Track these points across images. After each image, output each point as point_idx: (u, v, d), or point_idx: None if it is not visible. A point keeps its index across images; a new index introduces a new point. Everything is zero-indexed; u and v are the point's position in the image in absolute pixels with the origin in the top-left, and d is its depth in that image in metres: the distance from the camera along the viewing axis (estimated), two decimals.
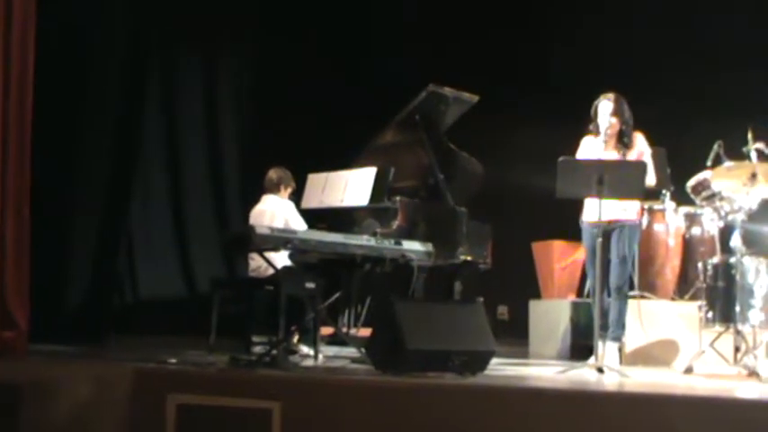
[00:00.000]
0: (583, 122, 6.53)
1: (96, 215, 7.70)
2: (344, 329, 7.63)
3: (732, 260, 6.09)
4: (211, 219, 9.35)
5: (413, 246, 6.37)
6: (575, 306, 7.67)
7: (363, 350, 5.90)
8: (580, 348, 7.07)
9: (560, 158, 5.99)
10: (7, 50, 5.43)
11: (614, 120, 6.40)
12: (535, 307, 8.26)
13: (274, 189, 7.19)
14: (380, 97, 8.36)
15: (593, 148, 6.43)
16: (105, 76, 7.82)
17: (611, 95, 6.44)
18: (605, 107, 6.41)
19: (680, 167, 7.55)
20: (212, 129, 9.52)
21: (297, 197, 7.44)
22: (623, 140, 6.44)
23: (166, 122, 9.08)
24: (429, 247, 6.42)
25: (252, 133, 9.78)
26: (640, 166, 6.11)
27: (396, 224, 7.05)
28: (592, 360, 6.08)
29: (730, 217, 6.49)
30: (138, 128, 8.26)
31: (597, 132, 6.42)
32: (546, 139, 7.71)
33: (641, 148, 6.48)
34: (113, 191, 7.83)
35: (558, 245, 8.40)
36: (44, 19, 5.75)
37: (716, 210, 6.89)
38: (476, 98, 7.60)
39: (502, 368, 6.14)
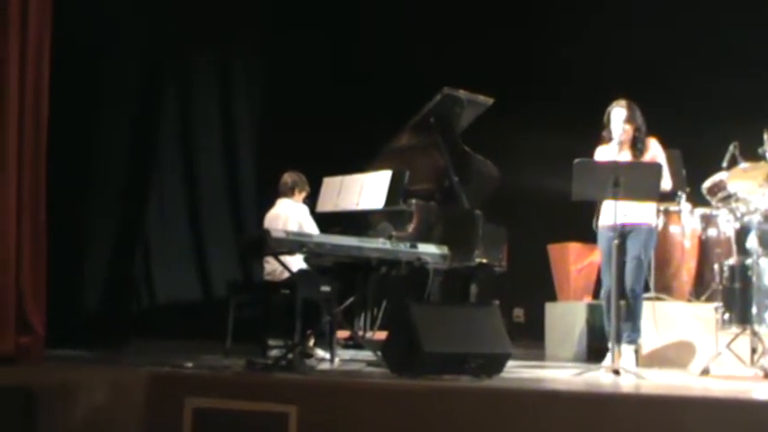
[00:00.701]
0: (598, 125, 6.51)
1: (113, 220, 7.74)
2: (360, 333, 7.64)
3: (748, 261, 6.07)
4: (227, 222, 9.37)
5: (428, 249, 6.37)
6: (591, 308, 7.64)
7: (379, 353, 5.90)
8: (596, 351, 7.04)
9: (576, 160, 5.98)
10: (23, 57, 5.45)
11: (627, 126, 6.38)
12: (551, 309, 8.24)
13: (289, 193, 7.20)
14: (396, 100, 8.36)
15: (606, 156, 6.41)
16: (121, 80, 7.87)
17: (623, 102, 6.41)
18: (618, 114, 6.39)
19: (695, 169, 7.53)
20: (228, 132, 9.55)
21: (312, 201, 7.45)
22: (637, 146, 6.42)
23: (182, 126, 9.11)
24: (444, 249, 6.43)
25: (267, 136, 9.80)
26: (655, 168, 6.10)
27: (411, 227, 7.05)
28: (608, 362, 6.07)
29: (746, 218, 6.47)
30: (153, 132, 8.31)
31: (610, 139, 6.41)
32: (561, 141, 7.72)
33: (654, 152, 6.45)
34: (129, 195, 7.88)
35: (573, 247, 8.39)
36: (60, 24, 5.77)
37: (732, 211, 6.86)
38: (491, 101, 7.60)
39: (518, 371, 6.13)
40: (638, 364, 6.48)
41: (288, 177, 7.23)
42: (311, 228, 6.95)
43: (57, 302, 5.89)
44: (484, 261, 7.28)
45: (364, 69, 9.66)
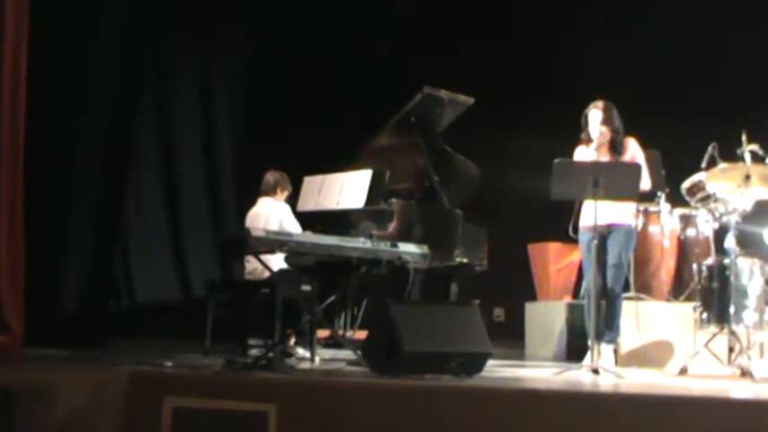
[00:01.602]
0: (578, 125, 6.53)
1: (91, 219, 7.70)
2: (341, 332, 7.64)
3: (726, 261, 6.11)
4: (207, 222, 9.34)
5: (409, 248, 6.37)
6: (570, 308, 7.68)
7: (360, 352, 5.90)
8: (576, 350, 7.08)
9: (555, 160, 6.00)
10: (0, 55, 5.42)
11: (605, 129, 6.40)
12: (531, 309, 8.27)
13: (271, 192, 7.20)
14: (377, 100, 8.35)
15: (585, 157, 6.42)
16: (100, 79, 7.82)
17: (600, 104, 6.43)
18: (595, 116, 6.41)
19: (675, 169, 7.57)
20: (208, 131, 9.52)
21: (293, 200, 7.44)
22: (615, 148, 6.44)
23: (161, 125, 9.08)
24: (425, 249, 6.43)
25: (248, 135, 9.77)
26: (635, 168, 6.13)
27: (392, 226, 7.05)
28: (587, 361, 6.09)
29: (725, 218, 6.50)
30: (132, 131, 8.26)
31: (588, 141, 6.43)
32: (542, 140, 7.74)
33: (633, 152, 6.49)
34: (108, 194, 7.83)
35: (553, 246, 8.42)
36: (38, 21, 5.73)
37: (710, 211, 6.90)
38: (471, 100, 7.61)
39: (498, 370, 6.15)
40: (617, 364, 6.52)
41: (270, 176, 7.23)
42: (292, 226, 6.94)
43: (35, 302, 5.85)
44: (464, 260, 7.29)
45: (347, 68, 9.65)
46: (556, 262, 8.42)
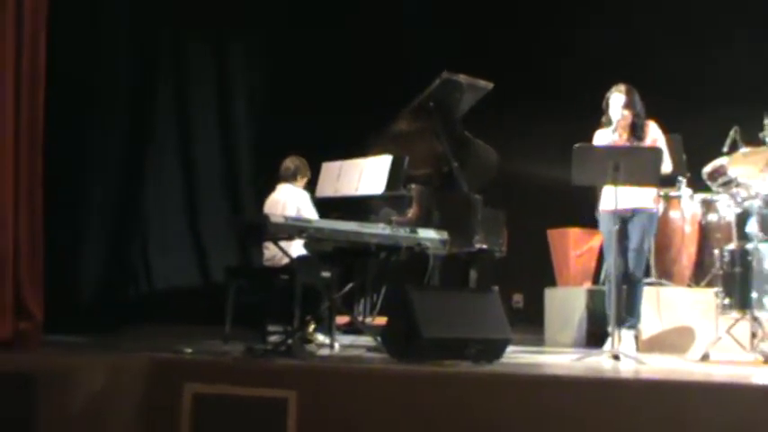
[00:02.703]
0: (598, 109, 6.49)
1: (110, 205, 7.73)
2: (360, 318, 7.63)
3: (749, 246, 6.07)
4: (226, 208, 9.35)
5: (428, 234, 6.35)
6: (590, 294, 7.64)
7: (379, 339, 5.90)
8: (596, 336, 7.05)
9: (576, 145, 5.96)
10: (19, 41, 5.42)
11: (626, 112, 6.36)
12: (551, 295, 8.23)
13: (290, 178, 7.18)
14: (396, 86, 8.31)
15: (605, 141, 6.39)
16: (118, 66, 7.84)
17: (622, 87, 6.39)
18: (617, 99, 6.37)
19: (696, 154, 7.52)
20: (226, 117, 9.51)
21: (312, 186, 7.43)
22: (636, 133, 6.40)
23: (180, 111, 9.08)
24: (444, 235, 6.40)
25: (266, 121, 9.77)
26: (656, 153, 6.09)
27: (411, 212, 7.03)
28: (608, 347, 6.07)
29: (747, 203, 6.45)
30: (151, 118, 8.29)
31: (610, 125, 6.39)
32: (562, 125, 7.69)
33: (654, 136, 6.45)
34: (127, 181, 7.86)
35: (573, 232, 8.38)
36: (55, 7, 5.72)
37: (732, 196, 6.85)
38: (490, 85, 7.56)
39: (517, 356, 6.13)
40: (638, 350, 6.49)
41: (290, 162, 7.21)
42: (309, 213, 6.93)
43: (54, 288, 5.88)
44: (484, 246, 7.24)
45: (366, 56, 9.61)
46: (576, 247, 8.38)
